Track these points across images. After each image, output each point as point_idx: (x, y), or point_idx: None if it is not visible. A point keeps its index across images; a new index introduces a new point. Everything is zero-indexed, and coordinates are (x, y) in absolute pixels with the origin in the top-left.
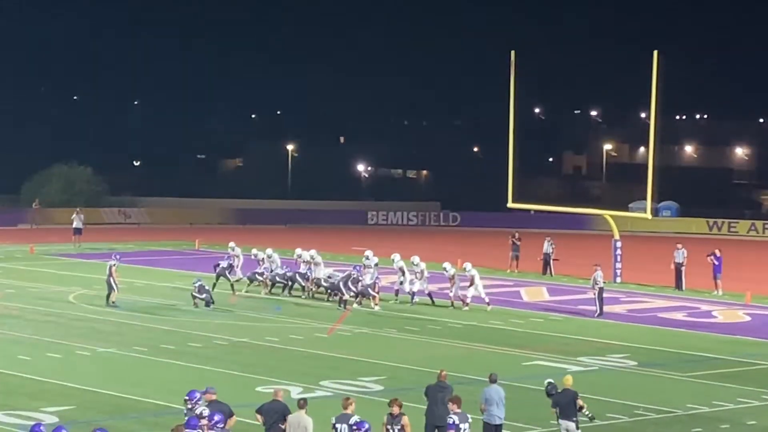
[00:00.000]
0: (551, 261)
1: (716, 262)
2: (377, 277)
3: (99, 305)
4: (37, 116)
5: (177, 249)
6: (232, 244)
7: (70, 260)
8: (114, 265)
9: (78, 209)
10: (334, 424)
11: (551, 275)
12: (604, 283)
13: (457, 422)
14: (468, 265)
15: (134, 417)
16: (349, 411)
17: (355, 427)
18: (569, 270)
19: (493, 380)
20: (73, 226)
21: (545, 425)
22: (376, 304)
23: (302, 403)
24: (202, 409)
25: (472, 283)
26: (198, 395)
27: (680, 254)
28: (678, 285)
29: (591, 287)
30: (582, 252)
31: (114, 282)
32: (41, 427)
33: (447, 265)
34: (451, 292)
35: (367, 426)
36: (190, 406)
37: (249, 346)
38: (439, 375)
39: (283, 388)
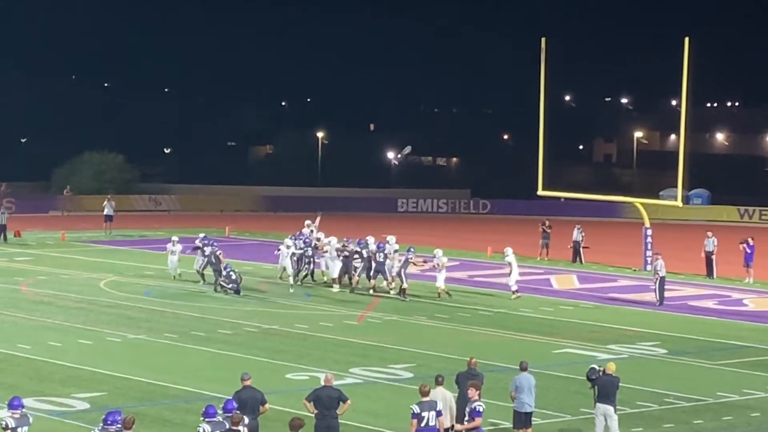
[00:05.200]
0: (581, 249)
1: (749, 251)
2: (408, 257)
3: (130, 292)
4: (68, 103)
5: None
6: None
7: (101, 247)
8: (218, 252)
9: (109, 196)
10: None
11: (581, 263)
12: (666, 273)
13: (480, 410)
14: (509, 251)
15: (165, 403)
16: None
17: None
18: (599, 258)
19: (523, 368)
20: (105, 213)
21: (575, 413)
22: (391, 288)
23: (440, 380)
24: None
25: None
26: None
27: (711, 242)
28: (709, 273)
29: (652, 276)
30: (612, 240)
31: (221, 267)
32: (214, 409)
33: (509, 250)
34: (511, 282)
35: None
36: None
37: (279, 333)
38: (469, 362)
39: (313, 375)
